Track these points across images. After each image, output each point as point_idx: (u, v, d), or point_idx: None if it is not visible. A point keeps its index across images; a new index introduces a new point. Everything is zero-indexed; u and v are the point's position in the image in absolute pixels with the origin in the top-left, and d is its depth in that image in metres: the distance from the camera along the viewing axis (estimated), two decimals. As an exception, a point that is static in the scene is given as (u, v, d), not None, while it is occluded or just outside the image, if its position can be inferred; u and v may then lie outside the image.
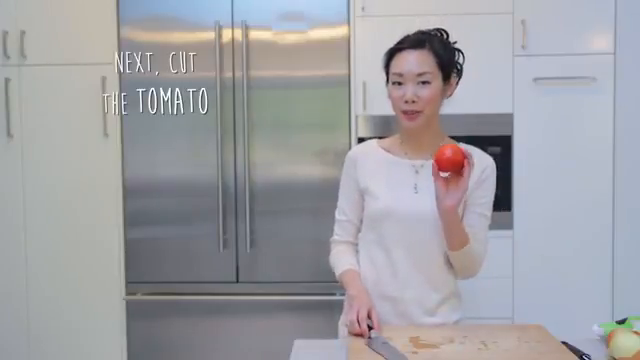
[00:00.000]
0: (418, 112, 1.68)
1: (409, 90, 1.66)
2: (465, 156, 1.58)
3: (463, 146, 1.79)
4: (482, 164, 1.74)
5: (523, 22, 2.81)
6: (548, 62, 2.83)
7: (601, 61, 2.82)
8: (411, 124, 1.70)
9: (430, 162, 1.71)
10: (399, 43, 1.72)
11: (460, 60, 1.75)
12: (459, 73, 1.75)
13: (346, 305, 1.83)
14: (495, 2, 2.82)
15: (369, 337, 1.53)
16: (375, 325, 1.58)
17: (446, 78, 1.71)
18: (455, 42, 1.75)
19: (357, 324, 1.58)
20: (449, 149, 1.59)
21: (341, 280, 1.81)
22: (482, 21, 2.81)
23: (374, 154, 1.81)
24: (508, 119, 2.84)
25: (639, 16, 2.81)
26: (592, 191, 2.85)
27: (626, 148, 2.83)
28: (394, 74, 1.70)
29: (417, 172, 1.75)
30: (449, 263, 1.75)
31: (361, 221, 1.84)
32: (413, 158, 1.76)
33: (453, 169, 1.59)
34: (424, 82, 1.67)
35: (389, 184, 1.75)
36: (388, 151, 1.80)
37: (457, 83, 1.76)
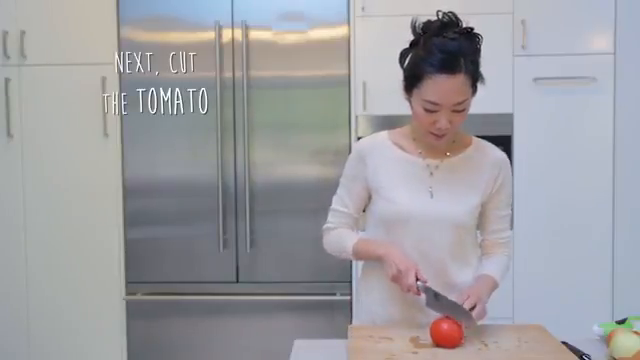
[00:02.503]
0: (447, 134, 1.61)
1: (443, 119, 1.55)
2: (460, 328, 1.50)
3: (478, 142, 1.72)
4: (495, 166, 1.70)
5: (523, 22, 2.81)
6: (548, 62, 2.83)
7: (601, 61, 2.82)
8: (438, 142, 1.63)
9: (445, 162, 1.68)
10: (431, 60, 1.52)
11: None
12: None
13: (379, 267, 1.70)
14: (495, 2, 2.82)
15: (420, 291, 1.56)
16: (423, 278, 1.58)
17: (475, 90, 1.59)
18: (479, 38, 1.59)
19: (413, 285, 1.55)
20: (445, 324, 1.49)
21: (358, 250, 1.72)
22: (482, 21, 2.76)
23: (386, 151, 1.71)
24: (508, 119, 2.84)
25: (639, 16, 2.81)
26: (592, 191, 2.85)
27: (626, 148, 2.83)
28: (427, 101, 1.55)
29: (432, 174, 1.68)
30: (465, 264, 1.72)
31: (359, 212, 1.78)
32: (427, 157, 1.69)
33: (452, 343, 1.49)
34: (460, 110, 1.56)
35: (404, 187, 1.67)
36: (401, 147, 1.70)
37: None
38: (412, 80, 1.59)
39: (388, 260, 1.61)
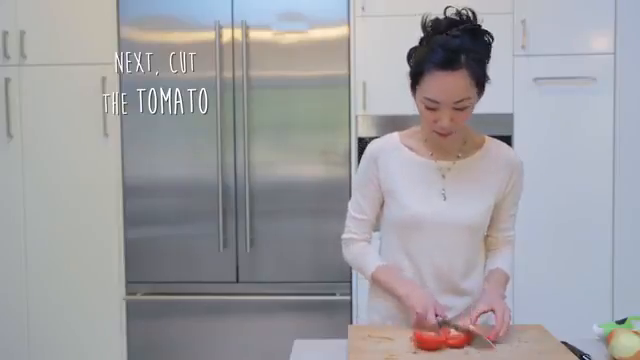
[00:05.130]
0: (451, 132, 1.59)
1: (445, 117, 1.53)
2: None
3: (491, 143, 1.71)
4: (508, 168, 1.70)
5: (523, 22, 2.81)
6: (548, 62, 2.83)
7: (601, 61, 2.82)
8: (443, 141, 1.62)
9: (457, 164, 1.66)
10: (430, 55, 1.51)
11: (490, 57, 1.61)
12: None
13: (403, 304, 1.65)
14: (495, 2, 2.82)
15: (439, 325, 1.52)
16: (442, 313, 1.56)
17: (481, 91, 1.57)
18: (488, 34, 1.58)
19: (435, 325, 1.52)
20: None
21: (377, 279, 1.69)
22: (482, 21, 2.81)
23: (397, 153, 1.68)
24: (508, 119, 2.84)
25: (639, 16, 2.81)
26: (592, 191, 2.85)
27: (626, 148, 2.83)
28: (428, 99, 1.53)
29: (444, 176, 1.66)
30: (476, 266, 1.71)
31: (376, 216, 1.75)
32: (439, 159, 1.67)
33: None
34: (461, 108, 1.54)
35: (417, 190, 1.65)
36: (412, 149, 1.68)
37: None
38: (414, 77, 1.57)
39: (407, 303, 1.60)
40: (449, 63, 1.49)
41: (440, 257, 1.65)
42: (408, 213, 1.64)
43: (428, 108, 1.55)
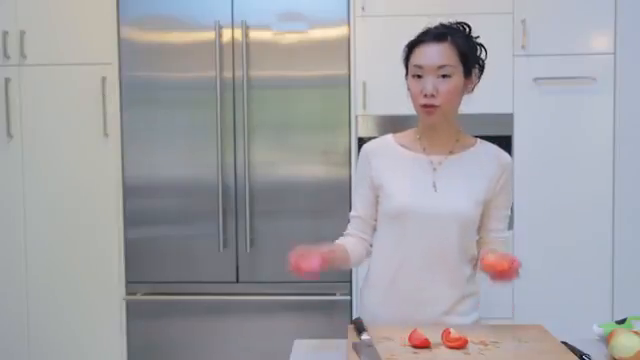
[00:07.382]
0: (436, 106, 1.64)
1: (429, 83, 1.62)
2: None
3: (485, 146, 1.76)
4: (499, 166, 1.73)
5: (523, 22, 2.81)
6: (548, 62, 2.83)
7: (601, 61, 2.82)
8: (429, 118, 1.66)
9: (449, 159, 1.71)
10: (420, 36, 1.67)
11: (482, 56, 1.71)
12: (481, 69, 1.72)
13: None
14: (495, 2, 2.82)
15: (360, 340, 1.51)
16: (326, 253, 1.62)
17: (467, 73, 1.67)
18: (478, 37, 1.71)
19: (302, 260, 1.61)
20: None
21: None
22: (482, 21, 2.77)
23: (390, 150, 1.76)
24: (508, 119, 2.84)
25: (639, 16, 2.81)
26: (592, 191, 2.85)
27: (626, 148, 2.83)
28: (414, 66, 1.65)
29: (435, 169, 1.71)
30: (467, 261, 1.74)
31: (374, 218, 1.79)
32: (431, 154, 1.72)
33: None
34: (444, 75, 1.62)
35: (407, 182, 1.71)
36: (405, 146, 1.75)
37: (479, 78, 1.72)
38: (407, 57, 1.70)
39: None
40: (436, 36, 1.65)
41: (433, 246, 1.68)
42: (398, 202, 1.69)
43: (414, 76, 1.65)
